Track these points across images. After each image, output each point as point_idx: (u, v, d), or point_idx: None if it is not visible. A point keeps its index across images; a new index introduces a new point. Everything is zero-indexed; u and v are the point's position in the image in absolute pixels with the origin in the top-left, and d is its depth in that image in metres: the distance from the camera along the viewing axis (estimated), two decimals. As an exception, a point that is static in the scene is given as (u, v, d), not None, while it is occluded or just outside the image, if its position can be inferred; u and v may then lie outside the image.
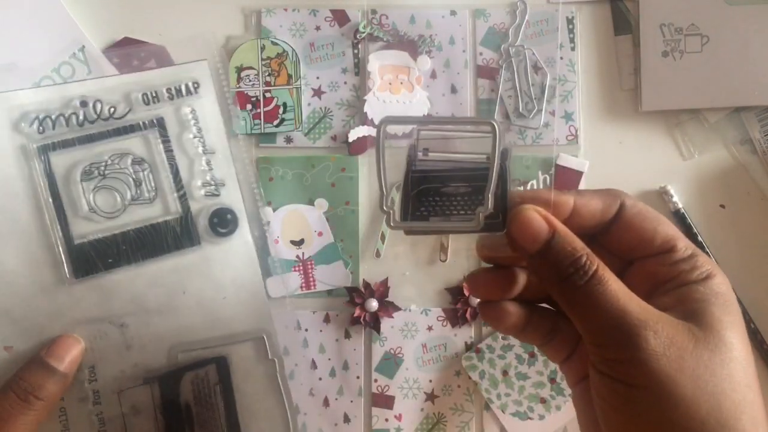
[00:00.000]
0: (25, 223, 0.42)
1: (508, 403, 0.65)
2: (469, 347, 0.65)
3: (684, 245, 0.38)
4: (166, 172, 0.44)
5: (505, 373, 0.65)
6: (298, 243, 0.63)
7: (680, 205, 0.65)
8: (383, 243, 0.64)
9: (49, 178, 0.42)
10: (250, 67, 0.65)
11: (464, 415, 0.65)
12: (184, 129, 0.45)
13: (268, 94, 0.65)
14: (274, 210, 0.62)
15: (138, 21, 0.66)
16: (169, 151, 0.45)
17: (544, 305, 0.42)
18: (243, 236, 0.48)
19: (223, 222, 0.46)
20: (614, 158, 0.66)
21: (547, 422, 0.65)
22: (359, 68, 0.66)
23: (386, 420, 0.64)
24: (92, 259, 0.43)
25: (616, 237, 0.39)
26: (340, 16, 0.66)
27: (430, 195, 0.41)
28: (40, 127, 0.41)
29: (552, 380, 0.65)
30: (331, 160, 0.65)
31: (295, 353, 0.59)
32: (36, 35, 0.67)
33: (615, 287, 0.34)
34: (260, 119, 0.65)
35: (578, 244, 0.35)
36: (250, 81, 0.65)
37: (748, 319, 0.64)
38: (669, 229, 0.39)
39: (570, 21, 0.66)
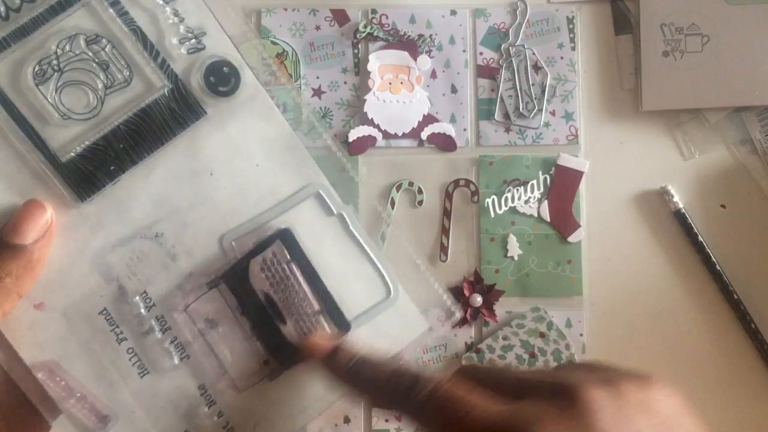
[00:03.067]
0: (4, 151, 0.34)
1: (508, 404, 0.65)
2: (469, 347, 0.65)
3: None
4: (131, 41, 0.35)
5: (505, 373, 0.65)
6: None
7: (680, 205, 0.65)
8: (383, 243, 0.64)
9: (2, 96, 0.34)
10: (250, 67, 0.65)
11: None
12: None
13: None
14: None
15: (138, 21, 0.66)
16: (123, 14, 0.35)
17: None
18: (250, 86, 0.40)
19: (221, 78, 0.38)
20: (614, 158, 0.66)
21: (547, 422, 0.65)
22: (359, 68, 0.66)
23: (386, 420, 0.64)
24: (90, 172, 0.35)
25: None
26: (340, 16, 0.66)
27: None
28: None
29: (552, 380, 0.65)
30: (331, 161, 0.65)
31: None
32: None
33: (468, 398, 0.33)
34: (260, 119, 0.65)
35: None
36: (250, 81, 0.65)
37: (749, 319, 0.64)
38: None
39: (570, 21, 0.66)
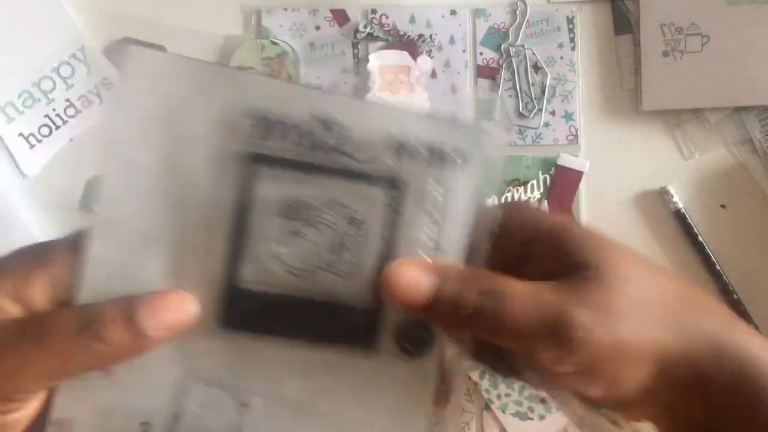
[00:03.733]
0: (188, 238, 0.33)
1: (508, 404, 0.65)
2: (469, 347, 0.65)
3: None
4: (377, 251, 0.33)
5: (505, 373, 0.65)
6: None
7: (680, 205, 0.65)
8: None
9: (245, 195, 0.32)
10: (250, 67, 0.65)
11: (464, 416, 0.65)
12: (422, 208, 0.33)
13: (268, 94, 0.65)
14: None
15: (138, 21, 0.66)
16: (394, 226, 0.33)
17: None
18: (425, 368, 0.34)
19: (413, 339, 0.34)
20: (614, 158, 0.66)
21: (547, 422, 0.65)
22: (359, 68, 0.66)
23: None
24: (248, 312, 0.33)
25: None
26: (340, 16, 0.66)
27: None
28: (265, 132, 0.31)
29: (552, 380, 0.65)
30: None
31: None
32: (36, 35, 0.67)
33: (519, 296, 0.31)
34: (260, 119, 0.65)
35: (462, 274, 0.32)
36: (250, 81, 0.65)
37: (748, 320, 0.64)
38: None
39: (570, 21, 0.66)
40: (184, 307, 0.31)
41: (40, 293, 0.30)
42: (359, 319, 0.33)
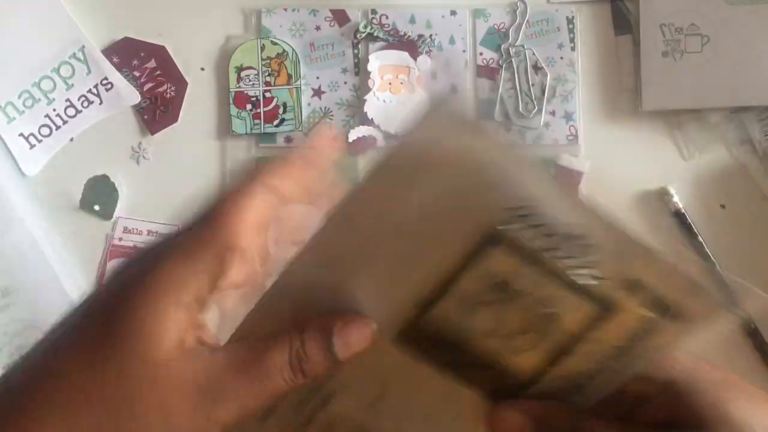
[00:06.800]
0: (406, 268, 0.33)
1: (508, 404, 0.65)
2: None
3: None
4: (555, 344, 0.35)
5: (505, 373, 0.65)
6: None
7: (680, 206, 0.65)
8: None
9: (470, 259, 0.33)
10: (250, 67, 0.65)
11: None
12: (618, 346, 0.34)
13: (268, 94, 0.65)
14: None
15: (138, 21, 0.66)
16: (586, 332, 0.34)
17: None
18: None
19: None
20: (614, 158, 0.66)
21: (547, 422, 0.65)
22: (359, 68, 0.66)
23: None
24: (427, 343, 0.34)
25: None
26: (340, 16, 0.66)
27: None
28: (523, 219, 0.31)
29: (552, 380, 0.65)
30: (331, 160, 0.65)
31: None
32: (36, 35, 0.67)
33: None
34: (260, 119, 0.65)
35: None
36: (249, 81, 0.65)
37: (749, 319, 0.64)
38: None
39: (570, 21, 0.66)
40: (368, 332, 0.32)
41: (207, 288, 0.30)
42: (509, 386, 0.35)
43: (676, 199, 0.65)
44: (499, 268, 0.32)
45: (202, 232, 0.31)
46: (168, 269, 0.30)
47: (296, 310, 0.32)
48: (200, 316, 0.31)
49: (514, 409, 0.33)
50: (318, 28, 0.66)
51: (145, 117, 0.68)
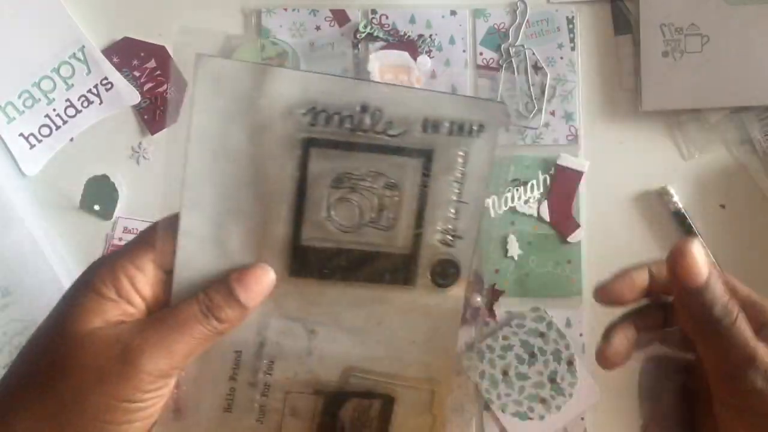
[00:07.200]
0: (260, 208, 0.41)
1: (508, 403, 0.65)
2: (469, 347, 0.65)
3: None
4: (412, 207, 0.42)
5: (505, 373, 0.65)
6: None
7: (680, 205, 0.65)
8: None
9: (301, 172, 0.41)
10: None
11: (464, 415, 0.65)
12: (448, 170, 0.42)
13: (268, 94, 0.65)
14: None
15: (138, 21, 0.66)
16: (424, 186, 0.42)
17: None
18: (456, 294, 0.45)
19: (444, 274, 0.44)
20: (614, 158, 0.66)
21: (547, 422, 0.65)
22: (359, 68, 0.66)
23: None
24: (310, 263, 0.42)
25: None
26: (340, 16, 0.66)
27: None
28: (314, 119, 0.39)
29: (552, 380, 0.65)
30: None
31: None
32: (36, 35, 0.67)
33: (749, 331, 0.37)
34: (260, 119, 0.65)
35: (725, 287, 0.38)
36: (250, 81, 0.65)
37: (749, 320, 0.64)
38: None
39: (570, 21, 0.66)
40: (267, 277, 0.40)
41: (151, 268, 0.38)
42: (399, 262, 0.42)
43: (676, 199, 0.65)
44: (328, 166, 0.39)
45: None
46: (93, 269, 0.37)
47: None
48: (128, 308, 0.37)
49: (613, 335, 0.43)
50: (318, 28, 0.66)
51: (145, 117, 0.68)
